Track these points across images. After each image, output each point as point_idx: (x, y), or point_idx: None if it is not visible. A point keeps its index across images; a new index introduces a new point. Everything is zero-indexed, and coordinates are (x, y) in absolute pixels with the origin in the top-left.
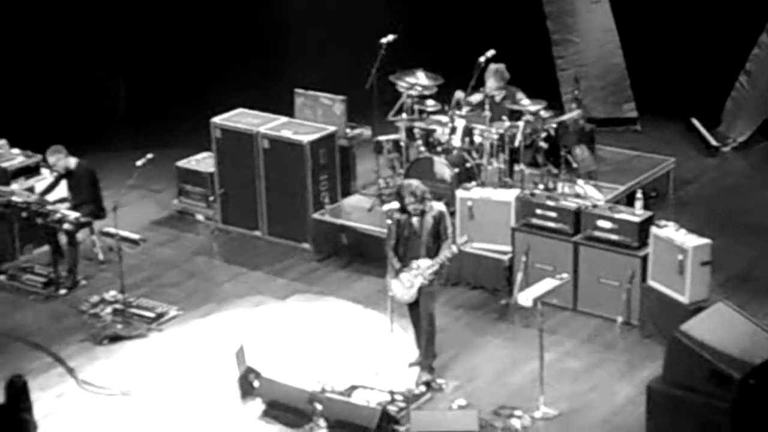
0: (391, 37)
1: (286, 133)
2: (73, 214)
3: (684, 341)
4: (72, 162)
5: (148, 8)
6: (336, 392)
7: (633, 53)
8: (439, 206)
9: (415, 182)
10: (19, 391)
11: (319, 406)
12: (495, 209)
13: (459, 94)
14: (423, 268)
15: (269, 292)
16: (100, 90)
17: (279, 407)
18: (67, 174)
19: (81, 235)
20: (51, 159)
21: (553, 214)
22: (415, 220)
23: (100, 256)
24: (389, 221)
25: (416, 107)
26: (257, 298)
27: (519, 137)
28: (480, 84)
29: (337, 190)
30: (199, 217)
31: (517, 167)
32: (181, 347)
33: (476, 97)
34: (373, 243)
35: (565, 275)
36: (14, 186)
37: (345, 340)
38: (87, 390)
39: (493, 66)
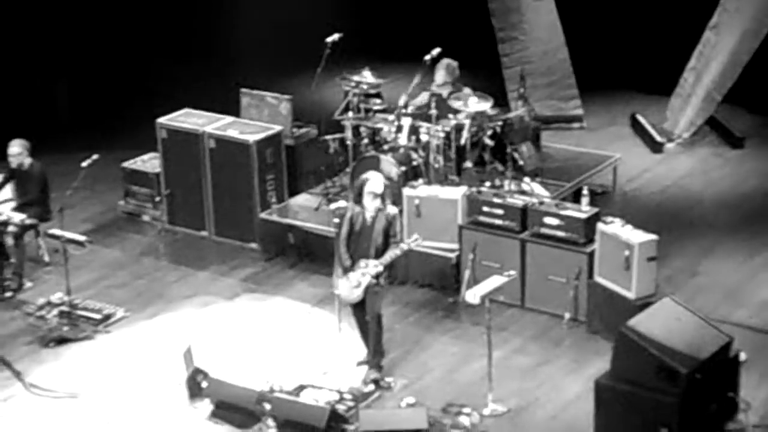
0: (336, 37)
1: (232, 133)
2: (19, 216)
3: (631, 337)
4: (27, 161)
5: (91, 10)
6: (284, 392)
7: (578, 50)
8: (393, 209)
9: (378, 179)
10: None
11: (267, 406)
12: (442, 207)
13: (404, 99)
14: (370, 266)
15: (217, 293)
16: (44, 92)
17: (227, 408)
18: (19, 173)
19: (27, 237)
20: (14, 149)
21: (500, 212)
22: (369, 215)
23: (46, 258)
24: (337, 220)
25: (362, 106)
26: (205, 299)
27: (465, 135)
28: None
29: (284, 190)
30: (146, 217)
31: (464, 165)
32: (129, 349)
33: (422, 97)
34: (320, 242)
35: (512, 272)
36: None
37: (293, 339)
38: (34, 393)
39: (445, 60)
